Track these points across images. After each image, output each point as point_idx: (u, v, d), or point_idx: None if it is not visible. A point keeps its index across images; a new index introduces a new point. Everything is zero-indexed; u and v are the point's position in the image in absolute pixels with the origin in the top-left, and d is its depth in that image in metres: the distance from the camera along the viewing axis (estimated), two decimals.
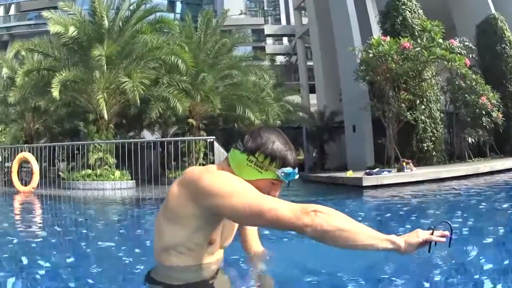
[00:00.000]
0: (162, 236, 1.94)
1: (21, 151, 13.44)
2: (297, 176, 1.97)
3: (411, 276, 2.20)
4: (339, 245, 1.75)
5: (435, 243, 1.86)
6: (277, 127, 20.84)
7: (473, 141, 18.31)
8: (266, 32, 49.32)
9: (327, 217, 1.72)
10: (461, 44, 16.47)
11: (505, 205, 6.19)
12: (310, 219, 1.71)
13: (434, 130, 17.58)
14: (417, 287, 2.11)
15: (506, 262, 2.65)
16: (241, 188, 1.81)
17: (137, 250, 3.19)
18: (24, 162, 13.01)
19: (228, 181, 1.83)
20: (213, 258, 2.01)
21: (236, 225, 2.15)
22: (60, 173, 15.75)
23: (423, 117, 17.24)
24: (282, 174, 1.91)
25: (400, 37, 16.20)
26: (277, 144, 1.93)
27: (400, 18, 18.13)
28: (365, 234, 1.76)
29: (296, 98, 29.42)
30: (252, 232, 2.37)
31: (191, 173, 1.92)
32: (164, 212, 1.96)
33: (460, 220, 4.75)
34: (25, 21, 45.23)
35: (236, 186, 1.81)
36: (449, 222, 1.97)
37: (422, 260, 2.01)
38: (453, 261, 2.44)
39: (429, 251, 1.88)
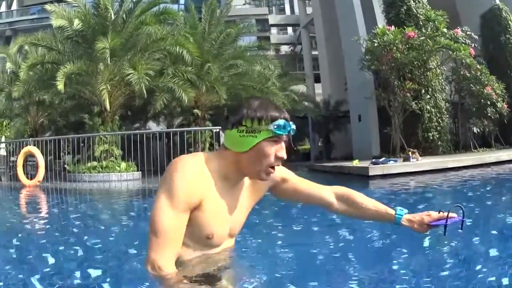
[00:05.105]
0: None
1: (26, 145, 13.49)
2: (293, 126, 1.94)
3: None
4: None
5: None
6: None
7: (478, 131, 18.25)
8: (270, 22, 49.13)
9: None
10: (464, 34, 16.38)
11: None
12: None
13: (439, 120, 17.52)
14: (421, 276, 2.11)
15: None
16: (165, 197, 1.81)
17: (143, 242, 3.19)
18: (30, 156, 13.06)
19: (168, 185, 1.83)
20: (219, 249, 2.00)
21: (246, 213, 2.14)
22: (65, 166, 15.82)
23: (428, 107, 17.19)
24: (275, 127, 1.88)
25: (405, 27, 16.11)
26: (257, 104, 1.93)
27: (405, 8, 18.03)
28: None
29: (301, 88, 29.32)
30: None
31: (170, 164, 1.92)
32: None
33: (467, 209, 4.73)
34: (27, 16, 45.14)
35: (166, 193, 1.82)
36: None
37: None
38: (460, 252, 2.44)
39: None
